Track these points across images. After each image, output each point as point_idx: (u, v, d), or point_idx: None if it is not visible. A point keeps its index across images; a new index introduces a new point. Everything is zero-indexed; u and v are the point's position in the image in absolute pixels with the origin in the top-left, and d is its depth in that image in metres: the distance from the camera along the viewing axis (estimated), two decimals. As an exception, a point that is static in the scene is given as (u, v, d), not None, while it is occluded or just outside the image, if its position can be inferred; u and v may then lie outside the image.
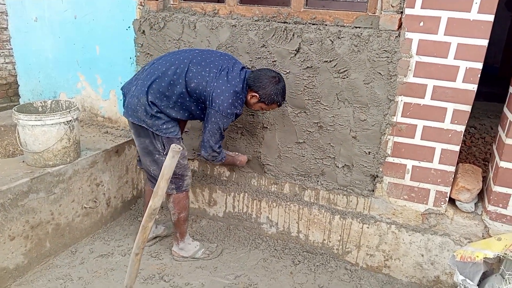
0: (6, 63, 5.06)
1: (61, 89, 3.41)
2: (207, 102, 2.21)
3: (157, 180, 2.41)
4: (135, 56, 2.98)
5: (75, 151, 2.63)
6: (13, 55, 3.62)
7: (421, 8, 2.10)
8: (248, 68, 2.40)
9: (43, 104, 2.70)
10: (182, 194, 2.50)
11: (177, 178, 2.42)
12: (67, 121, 2.49)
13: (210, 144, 2.31)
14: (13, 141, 2.81)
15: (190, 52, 2.30)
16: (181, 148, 1.86)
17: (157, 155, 2.35)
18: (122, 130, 3.20)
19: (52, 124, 2.43)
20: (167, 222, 2.97)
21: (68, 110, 2.53)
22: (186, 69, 2.20)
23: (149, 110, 2.22)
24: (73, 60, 3.26)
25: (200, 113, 2.32)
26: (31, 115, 2.40)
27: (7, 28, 4.51)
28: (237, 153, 2.76)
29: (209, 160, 2.41)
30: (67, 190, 2.60)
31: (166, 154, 2.30)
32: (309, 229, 2.76)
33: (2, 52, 4.97)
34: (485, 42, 2.04)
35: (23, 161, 2.57)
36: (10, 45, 4.11)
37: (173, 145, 1.87)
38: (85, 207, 2.75)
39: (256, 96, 2.27)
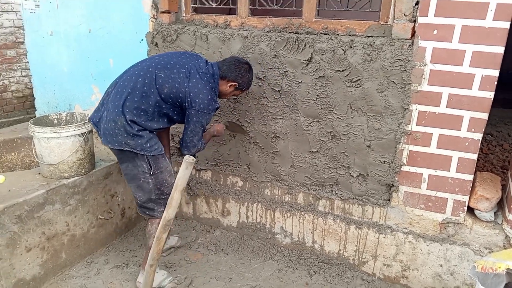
0: (23, 76, 5.16)
1: (76, 102, 3.47)
2: (185, 104, 2.18)
3: (145, 207, 2.34)
4: (149, 68, 3.01)
5: (90, 162, 2.66)
6: (29, 69, 3.70)
7: (434, 16, 2.09)
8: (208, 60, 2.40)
9: (59, 116, 2.74)
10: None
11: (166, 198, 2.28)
12: (81, 133, 2.52)
13: (194, 143, 2.27)
14: (29, 153, 2.85)
15: (150, 60, 2.25)
16: (194, 160, 1.86)
17: (142, 179, 2.24)
18: (135, 141, 3.23)
19: (67, 136, 2.46)
20: (181, 232, 2.97)
21: (82, 122, 2.56)
22: (154, 77, 2.15)
23: (130, 130, 2.12)
24: (88, 73, 3.31)
25: (177, 117, 2.28)
26: (47, 128, 2.44)
27: (23, 42, 4.61)
28: (211, 125, 2.67)
29: (191, 154, 2.31)
30: (82, 201, 2.62)
31: (153, 175, 2.25)
32: (324, 239, 2.73)
33: (19, 66, 5.08)
34: (501, 50, 2.01)
35: (39, 173, 2.61)
36: (27, 58, 4.19)
37: (186, 157, 1.88)
38: (100, 218, 2.76)
39: (234, 85, 2.32)
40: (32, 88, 3.69)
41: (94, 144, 2.76)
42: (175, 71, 2.18)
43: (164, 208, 2.25)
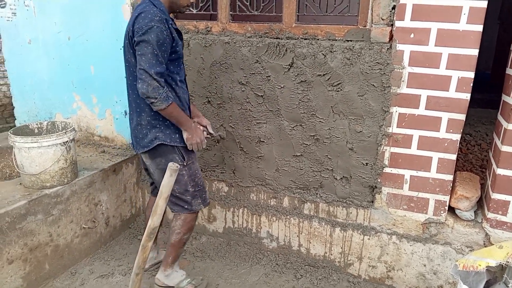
0: (1, 85, 5.07)
1: (56, 110, 3.42)
2: (132, 38, 1.98)
3: (182, 200, 2.26)
4: (130, 75, 3.00)
5: (73, 171, 2.62)
6: (7, 77, 3.63)
7: (411, 20, 2.13)
8: None
9: (39, 125, 2.70)
10: (195, 214, 2.35)
11: (200, 189, 2.31)
12: (63, 142, 2.48)
13: (142, 67, 1.91)
14: (10, 163, 2.80)
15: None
16: (178, 167, 1.86)
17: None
18: (119, 149, 3.20)
19: (48, 145, 2.43)
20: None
21: (64, 131, 2.53)
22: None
23: (155, 123, 2.11)
24: (68, 81, 3.27)
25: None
26: (27, 137, 2.39)
27: (1, 50, 4.53)
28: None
29: (151, 97, 1.94)
30: (65, 211, 2.58)
31: (187, 166, 2.21)
32: (310, 243, 2.75)
33: (-3, 75, 5.00)
34: (475, 52, 2.07)
35: (20, 183, 2.56)
36: (5, 67, 4.12)
37: (170, 164, 1.87)
38: (83, 227, 2.73)
39: None
40: (11, 97, 3.63)
41: (76, 153, 2.73)
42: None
43: (201, 201, 2.31)
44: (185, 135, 2.16)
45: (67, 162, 2.55)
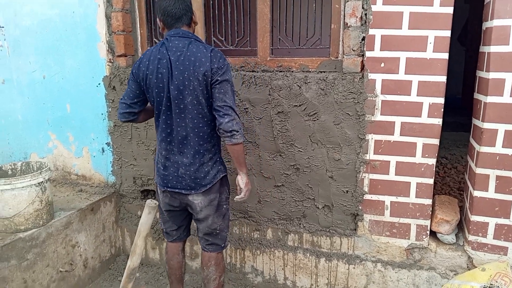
0: (-25, 126, 4.94)
1: (32, 150, 3.34)
2: (211, 76, 1.93)
3: (221, 237, 2.18)
4: (107, 111, 2.98)
5: (48, 213, 2.54)
6: (-19, 119, 3.55)
7: (380, 50, 2.21)
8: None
9: (13, 167, 2.63)
10: (223, 252, 2.28)
11: (222, 231, 2.20)
12: (38, 183, 2.42)
13: (229, 104, 1.94)
14: (-18, 207, 2.71)
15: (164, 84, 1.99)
16: (156, 204, 1.83)
17: (224, 205, 2.16)
18: (96, 187, 3.13)
19: (22, 187, 2.36)
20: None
21: (39, 171, 2.47)
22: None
23: (217, 158, 2.10)
24: (44, 120, 3.22)
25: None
26: (0, 179, 2.32)
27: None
28: None
29: (234, 130, 1.95)
30: (41, 254, 2.48)
31: (230, 196, 2.19)
32: (295, 275, 2.70)
33: (-30, 116, 4.87)
34: (443, 78, 2.15)
35: (-7, 228, 2.46)
36: (-22, 108, 4.04)
37: (148, 201, 1.84)
38: (60, 270, 2.61)
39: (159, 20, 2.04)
40: (-16, 138, 3.54)
41: (52, 193, 2.65)
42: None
43: (221, 242, 2.21)
44: (244, 179, 2.11)
45: (43, 203, 2.47)
